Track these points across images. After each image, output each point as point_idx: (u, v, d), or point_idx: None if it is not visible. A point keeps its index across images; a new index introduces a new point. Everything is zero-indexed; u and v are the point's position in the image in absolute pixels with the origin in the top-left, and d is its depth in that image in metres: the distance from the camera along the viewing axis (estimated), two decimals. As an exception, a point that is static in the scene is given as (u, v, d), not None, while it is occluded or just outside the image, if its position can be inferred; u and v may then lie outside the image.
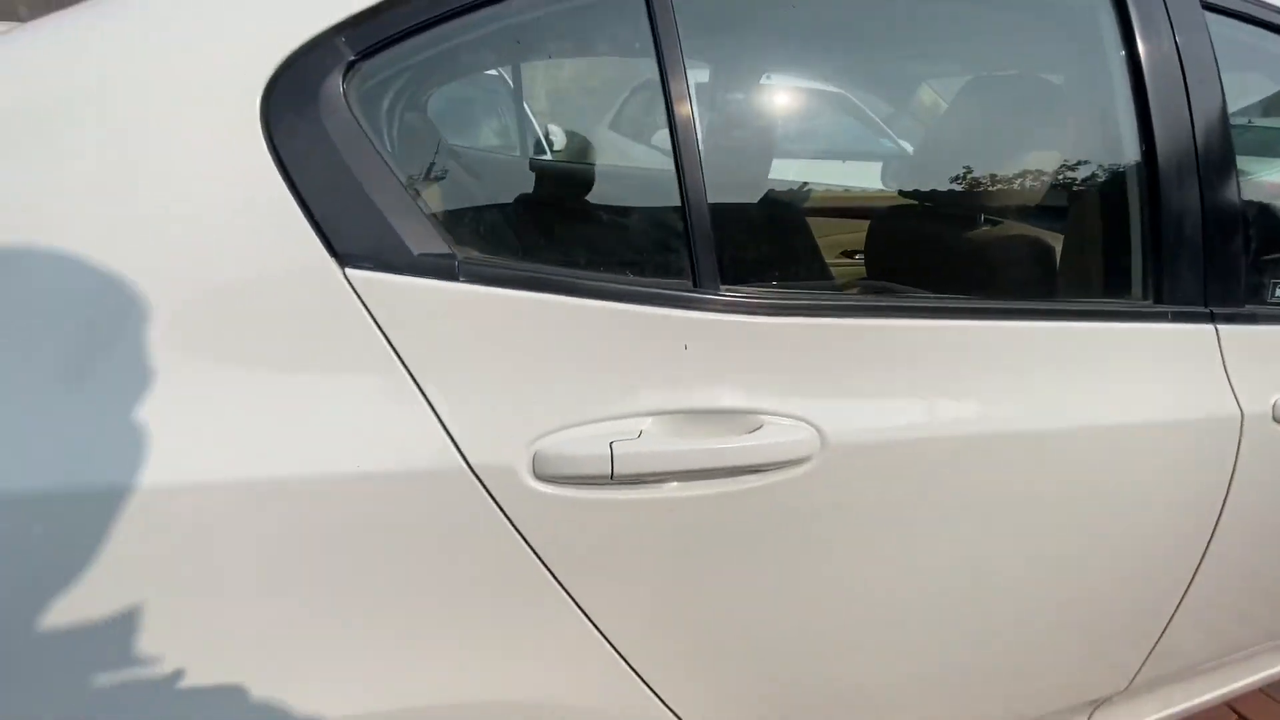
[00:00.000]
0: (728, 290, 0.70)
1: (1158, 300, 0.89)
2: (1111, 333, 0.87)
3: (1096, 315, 0.87)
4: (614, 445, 0.62)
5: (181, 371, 0.54)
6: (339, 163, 0.58)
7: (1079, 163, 1.00)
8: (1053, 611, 0.89)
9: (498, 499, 0.61)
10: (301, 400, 0.57)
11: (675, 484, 0.66)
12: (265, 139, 0.56)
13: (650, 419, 0.66)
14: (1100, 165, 0.96)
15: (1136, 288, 0.91)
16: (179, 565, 0.54)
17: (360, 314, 0.58)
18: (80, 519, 0.51)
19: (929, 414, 0.74)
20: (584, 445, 0.62)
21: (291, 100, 0.57)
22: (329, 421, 0.57)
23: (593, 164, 0.98)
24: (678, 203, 0.69)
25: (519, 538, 0.62)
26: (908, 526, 0.76)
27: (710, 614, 0.72)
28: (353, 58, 0.59)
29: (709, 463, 0.65)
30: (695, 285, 0.69)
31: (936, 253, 0.96)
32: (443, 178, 0.73)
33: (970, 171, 1.02)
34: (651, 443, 0.64)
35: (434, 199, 0.68)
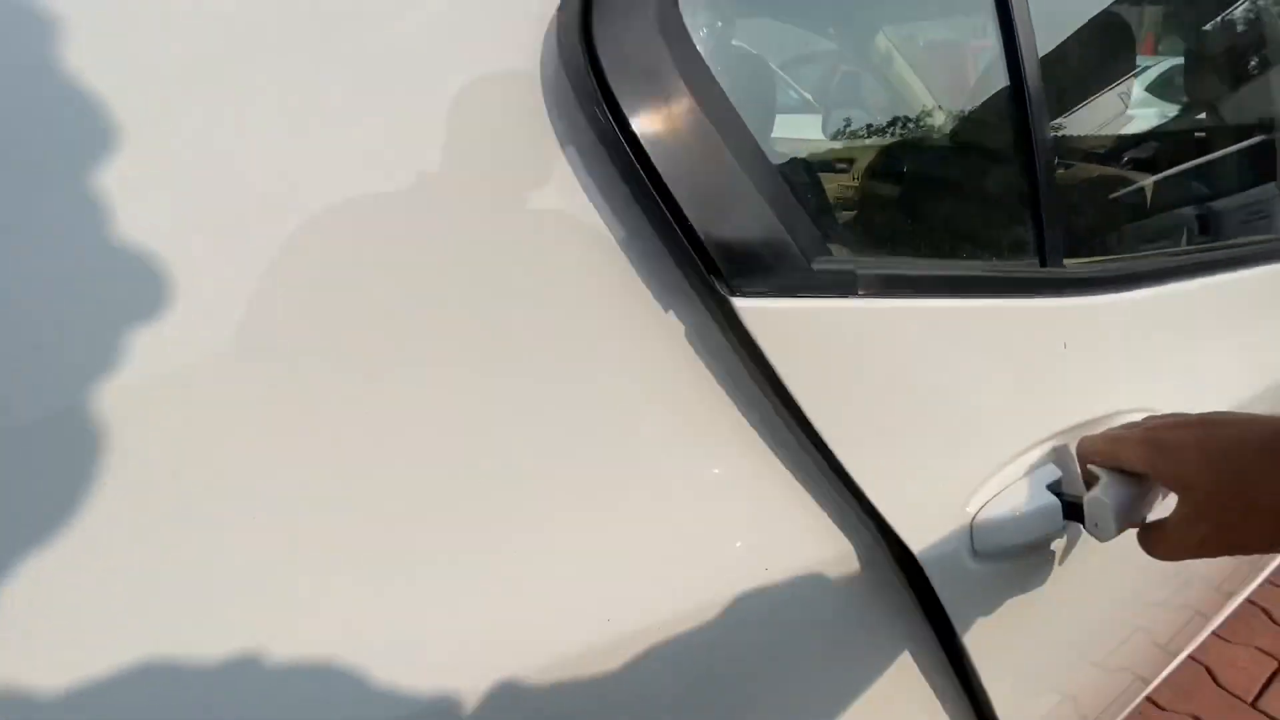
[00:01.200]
0: (1071, 264, 0.55)
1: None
2: None
3: None
4: (1060, 490, 0.46)
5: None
6: (698, 122, 0.35)
7: None
8: None
9: (944, 601, 0.42)
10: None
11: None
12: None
13: (1051, 444, 0.50)
14: None
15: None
16: None
17: (759, 366, 0.36)
18: None
19: None
20: (1025, 499, 0.45)
21: (612, 19, 0.33)
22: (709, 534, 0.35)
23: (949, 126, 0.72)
24: (1022, 157, 0.52)
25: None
26: None
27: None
28: (681, -51, 0.36)
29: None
30: (1043, 263, 0.53)
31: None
32: (802, 147, 0.49)
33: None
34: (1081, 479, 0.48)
35: (801, 177, 0.45)
